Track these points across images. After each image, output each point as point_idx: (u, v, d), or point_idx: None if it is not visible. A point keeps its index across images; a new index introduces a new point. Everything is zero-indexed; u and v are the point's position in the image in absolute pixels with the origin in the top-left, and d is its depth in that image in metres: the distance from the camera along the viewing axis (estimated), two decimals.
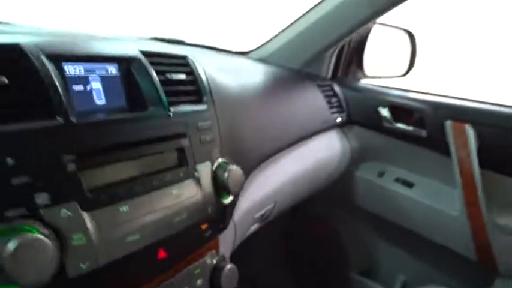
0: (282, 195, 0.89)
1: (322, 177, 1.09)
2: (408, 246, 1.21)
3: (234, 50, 1.24)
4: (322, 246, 1.34)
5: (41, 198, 0.40)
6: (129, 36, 0.93)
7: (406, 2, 0.95)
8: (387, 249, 1.27)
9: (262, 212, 0.82)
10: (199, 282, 0.58)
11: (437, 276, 1.08)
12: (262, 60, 1.12)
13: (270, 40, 1.16)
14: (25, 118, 0.41)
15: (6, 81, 0.41)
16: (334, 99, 1.15)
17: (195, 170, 0.57)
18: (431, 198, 1.10)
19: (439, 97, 1.11)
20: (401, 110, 1.13)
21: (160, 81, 0.56)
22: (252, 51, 1.20)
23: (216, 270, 0.60)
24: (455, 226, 1.05)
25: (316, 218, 1.32)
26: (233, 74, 0.82)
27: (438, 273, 1.12)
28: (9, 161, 0.38)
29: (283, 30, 1.14)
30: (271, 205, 0.85)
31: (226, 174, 0.59)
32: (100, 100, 0.52)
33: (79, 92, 0.49)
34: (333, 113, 1.14)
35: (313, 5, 1.09)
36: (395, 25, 1.25)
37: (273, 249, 0.94)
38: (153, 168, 0.51)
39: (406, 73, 1.29)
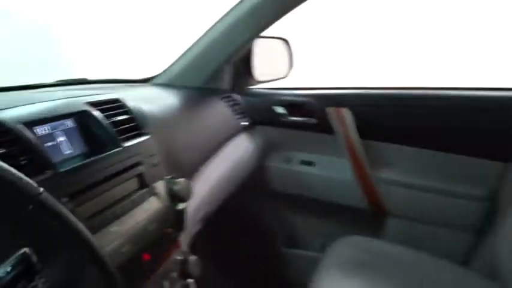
0: (214, 196, 1.06)
1: (241, 173, 1.28)
2: (319, 213, 1.47)
3: (136, 79, 1.35)
4: (250, 231, 1.54)
5: None
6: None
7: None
8: (304, 220, 1.51)
9: (202, 213, 0.98)
10: (174, 274, 0.73)
11: (345, 230, 1.33)
12: (167, 84, 1.26)
13: (171, 65, 1.29)
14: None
15: (4, 150, 0.51)
16: (237, 107, 1.35)
17: (154, 188, 0.71)
18: (329, 170, 1.37)
19: (320, 90, 1.38)
20: (292, 105, 1.38)
21: (110, 124, 0.69)
22: (154, 77, 1.32)
23: (184, 263, 0.75)
24: (350, 188, 1.33)
25: (241, 208, 1.51)
26: (151, 102, 0.96)
27: (346, 227, 1.39)
28: None
29: (181, 55, 1.28)
30: (208, 207, 1.02)
31: (177, 187, 0.74)
32: (67, 150, 0.63)
33: (51, 146, 0.60)
34: (238, 118, 1.33)
35: (205, 31, 1.25)
36: (273, 36, 1.48)
37: (205, 244, 1.09)
38: (125, 192, 0.64)
39: (288, 74, 1.53)
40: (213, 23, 1.23)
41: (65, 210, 0.32)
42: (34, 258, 0.34)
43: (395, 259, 1.14)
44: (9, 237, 0.33)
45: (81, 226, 0.33)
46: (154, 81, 1.30)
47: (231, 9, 1.18)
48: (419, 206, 1.29)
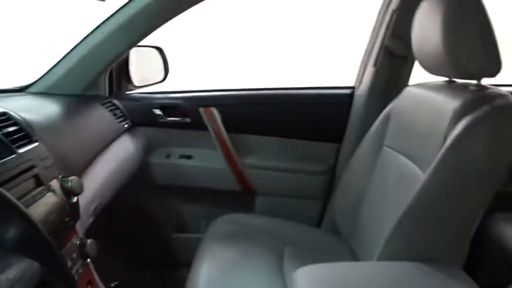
0: (103, 191, 1.19)
1: (126, 170, 1.42)
2: (201, 199, 1.68)
3: (10, 88, 1.38)
4: (140, 221, 1.68)
5: None
6: None
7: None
8: (189, 206, 1.70)
9: (94, 206, 1.11)
10: (74, 255, 0.87)
11: (224, 210, 1.52)
12: (45, 93, 1.31)
13: (46, 74, 1.33)
14: None
15: None
16: (117, 111, 1.47)
17: (50, 186, 0.84)
18: (205, 162, 1.59)
19: (192, 93, 1.59)
20: (169, 107, 1.56)
21: (2, 135, 0.80)
22: (29, 86, 1.34)
23: (83, 245, 0.89)
24: (224, 174, 1.57)
25: (131, 202, 1.65)
26: (35, 112, 1.05)
27: (224, 208, 1.57)
28: None
29: (56, 64, 1.32)
30: (99, 200, 1.15)
31: (70, 183, 0.88)
32: None
33: None
34: (120, 122, 1.46)
35: (80, 39, 1.31)
36: (147, 45, 1.62)
37: (100, 234, 1.20)
38: (25, 191, 0.77)
39: (164, 78, 1.69)
40: (87, 32, 1.30)
41: (13, 198, 0.46)
42: None
43: (264, 229, 1.40)
44: None
45: (22, 207, 0.47)
46: (30, 89, 1.33)
47: (107, 19, 1.28)
48: (279, 184, 1.59)
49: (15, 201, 0.45)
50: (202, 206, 1.68)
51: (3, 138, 0.79)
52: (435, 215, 0.92)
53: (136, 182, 1.52)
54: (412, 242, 0.94)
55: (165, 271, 1.69)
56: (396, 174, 1.13)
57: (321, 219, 1.62)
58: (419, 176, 0.98)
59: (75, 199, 0.90)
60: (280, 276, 1.14)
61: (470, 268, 0.95)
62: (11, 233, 0.45)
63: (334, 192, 1.50)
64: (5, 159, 0.77)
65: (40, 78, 1.35)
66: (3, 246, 0.45)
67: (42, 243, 0.48)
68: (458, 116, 0.90)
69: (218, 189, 1.61)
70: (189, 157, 1.61)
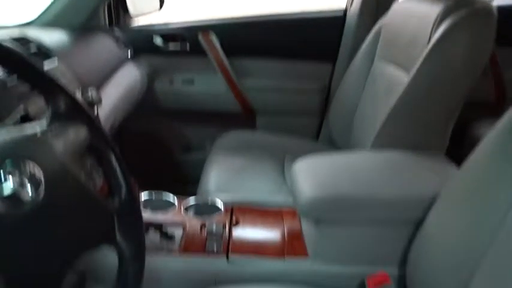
0: (116, 112, 1.29)
1: (134, 97, 1.50)
2: (204, 121, 1.77)
3: (11, 25, 1.42)
4: (150, 147, 1.80)
5: None
6: None
7: None
8: (195, 129, 1.80)
9: (110, 124, 1.21)
10: None
11: (229, 131, 1.61)
12: (50, 26, 1.34)
13: (46, 10, 1.35)
14: None
15: None
16: (119, 41, 1.53)
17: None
18: (206, 85, 1.68)
19: (189, 20, 1.64)
20: (169, 35, 1.62)
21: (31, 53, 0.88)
22: (30, 23, 1.36)
23: None
24: (225, 97, 1.66)
25: (140, 129, 1.75)
26: (45, 37, 1.11)
27: (227, 128, 1.64)
28: None
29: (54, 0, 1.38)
30: (113, 120, 1.25)
31: (90, 93, 0.96)
32: None
33: None
34: (123, 51, 1.53)
35: None
36: None
37: None
38: None
39: (161, 7, 1.72)
40: None
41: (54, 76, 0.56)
42: None
43: (265, 142, 1.52)
44: None
45: (64, 84, 0.56)
46: (35, 23, 1.37)
47: None
48: (277, 103, 1.69)
49: (58, 80, 0.55)
50: (206, 128, 1.78)
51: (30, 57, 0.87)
52: (419, 109, 1.03)
53: (142, 108, 1.62)
54: (399, 134, 1.06)
55: (175, 189, 1.83)
56: (386, 82, 1.23)
57: (318, 134, 1.74)
58: (406, 79, 1.07)
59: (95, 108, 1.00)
60: (282, 177, 1.28)
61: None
62: (62, 106, 0.55)
63: (329, 108, 1.60)
64: None
65: (39, 15, 1.37)
66: (60, 119, 0.55)
67: (85, 114, 0.58)
68: (440, 20, 0.98)
69: (220, 111, 1.71)
70: (191, 82, 1.69)
